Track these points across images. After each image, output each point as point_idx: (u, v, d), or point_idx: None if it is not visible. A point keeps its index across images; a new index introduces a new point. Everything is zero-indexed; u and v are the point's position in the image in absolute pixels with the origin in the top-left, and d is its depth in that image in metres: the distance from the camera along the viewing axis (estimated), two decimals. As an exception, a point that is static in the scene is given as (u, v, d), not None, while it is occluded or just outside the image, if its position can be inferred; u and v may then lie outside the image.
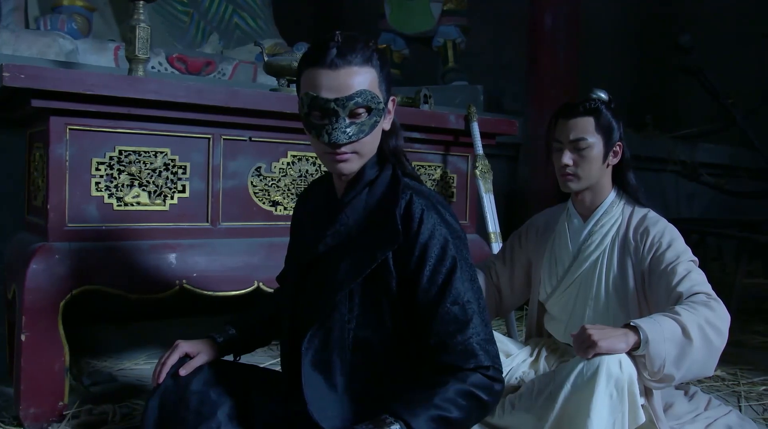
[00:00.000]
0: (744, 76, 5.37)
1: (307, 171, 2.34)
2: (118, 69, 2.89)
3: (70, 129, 1.95)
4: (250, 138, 2.22)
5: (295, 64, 2.36)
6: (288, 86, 2.44)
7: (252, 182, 2.24)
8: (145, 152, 2.06)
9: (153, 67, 3.04)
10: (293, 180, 2.31)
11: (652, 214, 1.86)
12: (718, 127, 4.91)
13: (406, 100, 2.73)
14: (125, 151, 2.03)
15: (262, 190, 2.26)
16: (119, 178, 2.03)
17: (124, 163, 2.03)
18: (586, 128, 1.83)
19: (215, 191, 2.17)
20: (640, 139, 4.65)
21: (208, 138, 2.15)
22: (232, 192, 2.21)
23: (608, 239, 1.87)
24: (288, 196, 2.31)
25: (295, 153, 2.31)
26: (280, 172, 2.29)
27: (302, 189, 2.26)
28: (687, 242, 1.82)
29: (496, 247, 2.69)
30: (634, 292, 1.81)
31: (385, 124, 1.38)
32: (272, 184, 2.28)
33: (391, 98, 1.38)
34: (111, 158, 2.01)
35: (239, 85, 3.02)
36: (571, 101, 1.91)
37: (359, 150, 1.32)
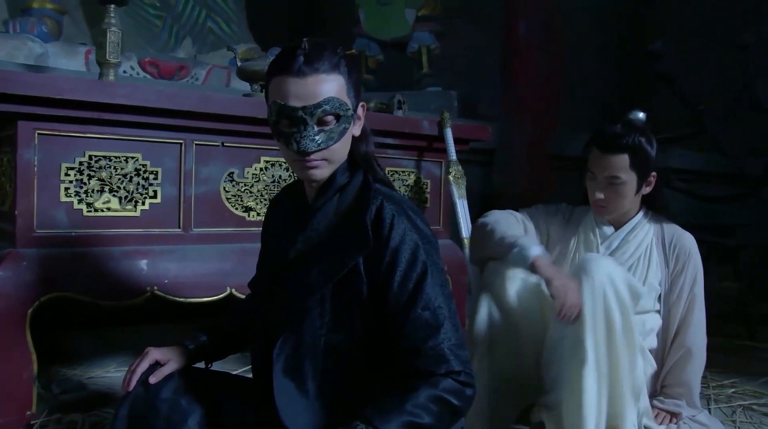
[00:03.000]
0: (715, 82, 5.46)
1: (280, 176, 2.34)
2: (89, 73, 2.87)
3: (38, 134, 1.93)
4: (222, 143, 2.22)
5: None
6: (261, 91, 2.44)
7: (224, 188, 2.24)
8: (115, 157, 2.05)
9: (125, 71, 3.03)
10: (266, 185, 2.31)
11: (681, 230, 1.97)
12: (689, 132, 4.99)
13: (380, 106, 2.74)
14: (95, 156, 2.02)
15: (234, 196, 2.26)
16: (89, 183, 2.01)
17: (94, 169, 2.02)
18: (621, 166, 1.84)
19: (187, 197, 2.16)
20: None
21: (180, 143, 2.14)
22: (205, 198, 2.20)
23: (643, 248, 1.94)
24: (260, 202, 2.31)
25: (267, 158, 2.31)
26: (252, 178, 2.29)
27: (275, 194, 2.26)
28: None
29: (469, 252, 2.71)
30: (666, 298, 1.94)
31: (355, 130, 1.38)
32: (245, 189, 2.27)
33: (361, 104, 1.39)
34: (81, 163, 2.00)
35: (212, 90, 3.01)
36: (608, 127, 1.90)
37: (329, 157, 1.32)
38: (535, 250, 1.73)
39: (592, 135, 1.92)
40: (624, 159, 1.83)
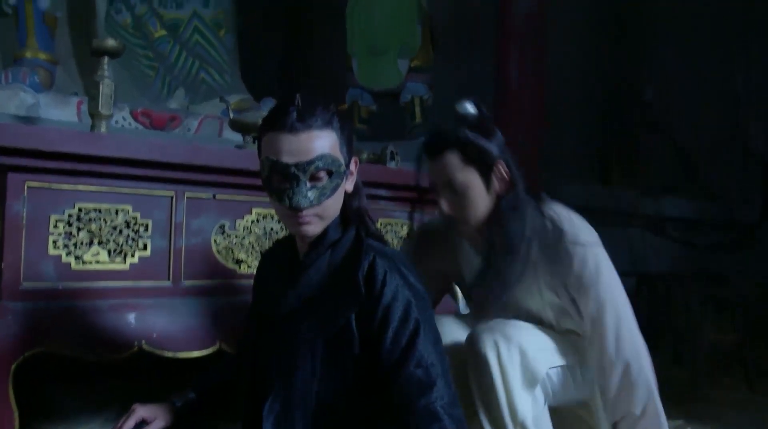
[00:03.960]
0: (707, 130, 5.55)
1: (272, 229, 2.35)
2: (80, 124, 2.90)
3: (28, 186, 1.94)
4: (214, 195, 2.23)
5: (261, 119, 2.39)
6: (254, 142, 2.47)
7: (215, 240, 2.24)
8: (106, 209, 2.06)
9: (117, 122, 3.06)
10: (257, 238, 2.32)
11: (559, 221, 1.68)
12: (682, 181, 5.06)
13: (373, 157, 2.77)
14: (85, 208, 2.03)
15: (225, 248, 2.26)
16: (78, 235, 2.01)
17: (83, 221, 2.02)
18: (454, 165, 1.64)
19: (177, 249, 2.16)
20: (606, 193, 4.75)
21: (171, 195, 2.15)
22: (195, 250, 2.20)
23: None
24: (252, 255, 2.31)
25: (259, 211, 2.32)
26: (244, 230, 2.29)
27: (267, 247, 2.27)
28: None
29: (462, 303, 2.70)
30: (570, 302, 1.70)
31: (348, 185, 1.40)
32: (236, 242, 2.28)
33: (353, 159, 1.41)
34: (70, 216, 2.00)
35: (205, 141, 3.04)
36: (433, 131, 1.72)
37: (321, 213, 1.34)
38: None
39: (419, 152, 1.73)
40: (454, 157, 1.64)
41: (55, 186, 1.98)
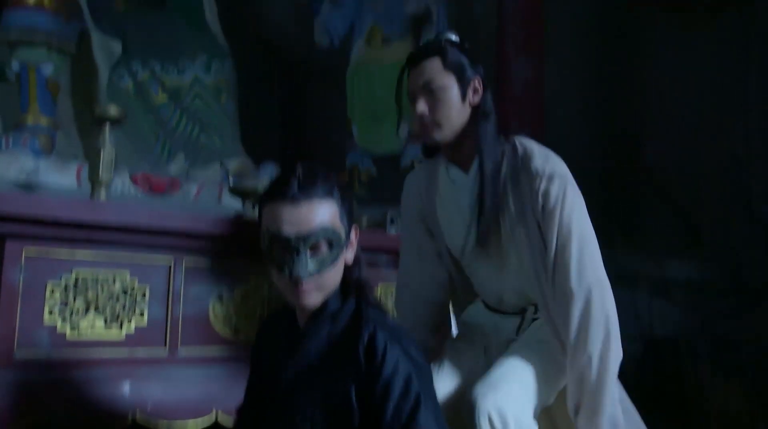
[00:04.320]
0: (710, 192, 5.58)
1: (270, 297, 2.35)
2: (80, 190, 2.93)
3: (26, 254, 1.96)
4: (212, 263, 2.24)
5: (261, 186, 2.42)
6: (253, 208, 2.50)
7: (213, 308, 2.25)
8: (103, 276, 2.07)
9: (116, 187, 3.09)
10: (256, 306, 2.32)
11: (529, 146, 1.76)
12: (686, 244, 5.07)
13: (372, 223, 2.80)
14: (82, 275, 2.04)
15: (223, 316, 2.26)
16: (74, 303, 2.02)
17: (80, 288, 2.03)
18: (434, 69, 1.72)
19: (174, 318, 2.16)
20: (609, 257, 4.76)
21: (170, 263, 2.17)
22: (192, 318, 2.20)
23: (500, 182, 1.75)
24: (250, 323, 2.31)
25: (258, 278, 2.33)
26: (242, 298, 2.30)
27: (265, 315, 2.27)
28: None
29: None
30: (539, 239, 1.71)
31: (348, 255, 1.42)
32: (234, 310, 2.28)
33: (354, 228, 1.44)
34: (67, 283, 2.01)
35: (204, 205, 3.07)
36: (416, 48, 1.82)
37: (321, 284, 1.35)
38: None
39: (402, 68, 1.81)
40: (435, 61, 1.73)
41: (52, 253, 2.00)
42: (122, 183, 3.12)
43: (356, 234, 1.44)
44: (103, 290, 2.06)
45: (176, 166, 3.57)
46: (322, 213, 1.33)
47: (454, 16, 4.25)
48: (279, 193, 1.33)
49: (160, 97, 3.75)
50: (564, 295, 1.68)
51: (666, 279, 5.03)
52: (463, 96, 1.76)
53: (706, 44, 5.39)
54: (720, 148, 5.36)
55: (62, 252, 2.01)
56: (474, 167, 1.79)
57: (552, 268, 1.69)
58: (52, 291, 1.99)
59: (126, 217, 2.04)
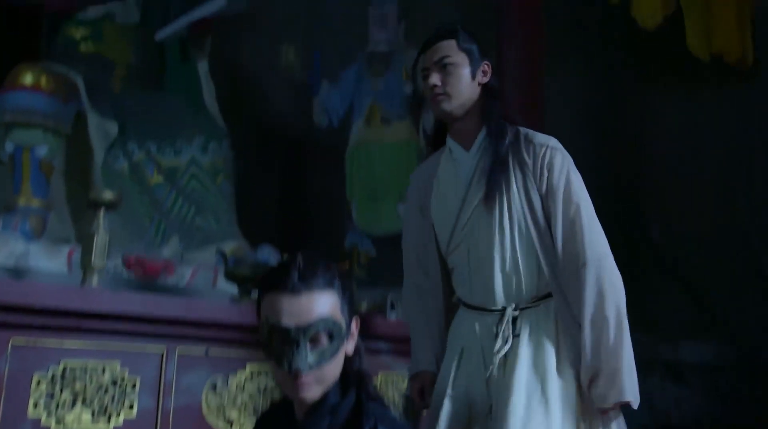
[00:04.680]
0: (720, 266, 5.57)
1: (266, 386, 2.33)
2: (70, 275, 2.93)
3: (12, 344, 1.95)
4: (206, 351, 2.23)
5: (257, 272, 2.44)
6: (249, 294, 2.50)
7: (206, 398, 2.22)
8: (92, 367, 2.05)
9: (108, 270, 3.09)
10: (251, 396, 2.30)
11: (531, 131, 1.96)
12: (698, 323, 5.03)
13: (372, 307, 2.80)
14: (71, 365, 2.02)
15: (216, 407, 2.23)
16: (61, 395, 2.00)
17: (68, 379, 2.01)
18: (449, 47, 1.94)
19: (165, 410, 2.14)
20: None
21: (162, 351, 2.16)
22: (184, 410, 2.17)
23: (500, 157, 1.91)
24: (244, 414, 2.28)
25: (254, 367, 2.32)
26: (237, 388, 2.28)
27: (261, 406, 2.24)
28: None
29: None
30: (542, 212, 1.86)
31: (348, 347, 1.42)
32: (228, 400, 2.26)
33: (355, 319, 1.44)
34: (54, 374, 2.00)
35: (198, 290, 3.08)
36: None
37: (321, 377, 1.35)
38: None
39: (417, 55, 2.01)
40: (450, 42, 1.94)
41: (40, 343, 1.99)
42: (114, 266, 3.13)
43: (357, 325, 1.45)
44: (91, 381, 2.05)
45: (170, 248, 3.59)
46: (323, 304, 1.34)
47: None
48: (279, 283, 1.35)
49: (156, 178, 3.81)
50: (576, 264, 1.82)
51: (680, 363, 4.98)
52: (473, 75, 1.96)
53: (710, 116, 5.52)
54: (726, 222, 5.40)
55: (51, 341, 2.00)
56: (476, 143, 1.96)
57: (562, 238, 1.84)
58: (38, 382, 1.98)
59: (118, 304, 2.04)
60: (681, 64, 5.34)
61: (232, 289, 2.83)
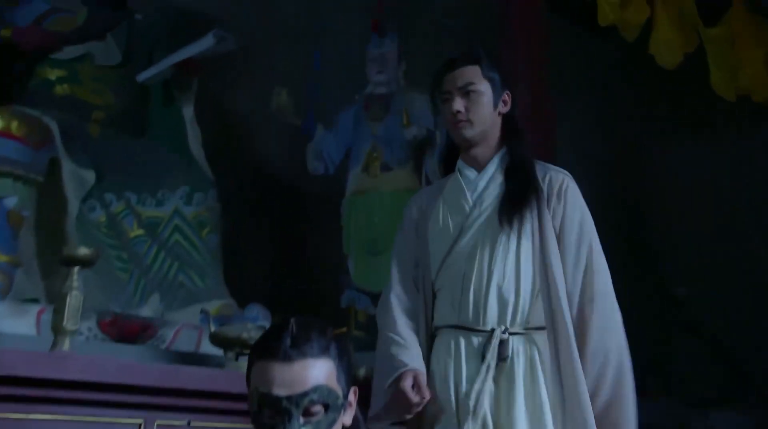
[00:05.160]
0: (752, 329, 5.53)
1: (254, 462, 2.28)
2: (39, 338, 2.89)
3: (-26, 416, 1.92)
4: (189, 422, 2.20)
5: (245, 335, 2.42)
6: (236, 360, 2.47)
7: (188, 477, 2.17)
8: (61, 442, 2.01)
9: (81, 333, 3.06)
10: (238, 473, 2.25)
11: (552, 167, 2.12)
12: (730, 390, 4.96)
13: (371, 373, 2.74)
14: (38, 441, 1.99)
15: (199, 487, 2.19)
16: (26, 475, 1.95)
17: (33, 457, 1.97)
18: (474, 74, 2.08)
19: (142, 491, 2.09)
20: (644, 407, 4.63)
21: (140, 423, 2.12)
22: (163, 490, 2.13)
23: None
24: (230, 494, 2.23)
25: (241, 440, 2.28)
26: (222, 464, 2.23)
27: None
28: None
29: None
30: (554, 241, 2.00)
31: (346, 418, 1.39)
32: (212, 478, 2.21)
33: (353, 389, 1.42)
34: (18, 451, 1.96)
35: (180, 354, 3.03)
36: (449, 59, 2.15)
37: (315, 453, 1.32)
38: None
39: (434, 73, 2.15)
40: (475, 68, 2.08)
41: (5, 413, 1.95)
42: (89, 329, 3.09)
43: (355, 395, 1.42)
44: (60, 458, 2.00)
45: (150, 308, 3.55)
46: (317, 372, 1.32)
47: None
48: (270, 350, 1.33)
49: (135, 231, 3.79)
50: (583, 297, 1.98)
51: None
52: (495, 104, 2.11)
53: (738, 160, 5.56)
54: (749, 277, 5.38)
55: (16, 415, 1.97)
56: (490, 166, 2.10)
57: (572, 270, 1.99)
58: (1, 461, 1.93)
59: (92, 371, 2.01)
60: (704, 105, 5.39)
61: (218, 352, 2.80)
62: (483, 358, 1.94)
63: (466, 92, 2.08)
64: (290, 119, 4.27)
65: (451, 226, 2.08)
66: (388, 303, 2.14)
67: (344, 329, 4.00)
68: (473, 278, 2.00)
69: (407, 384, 1.92)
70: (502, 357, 1.94)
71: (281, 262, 5.18)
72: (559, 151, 3.94)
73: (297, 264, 5.19)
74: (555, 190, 2.06)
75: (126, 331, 3.12)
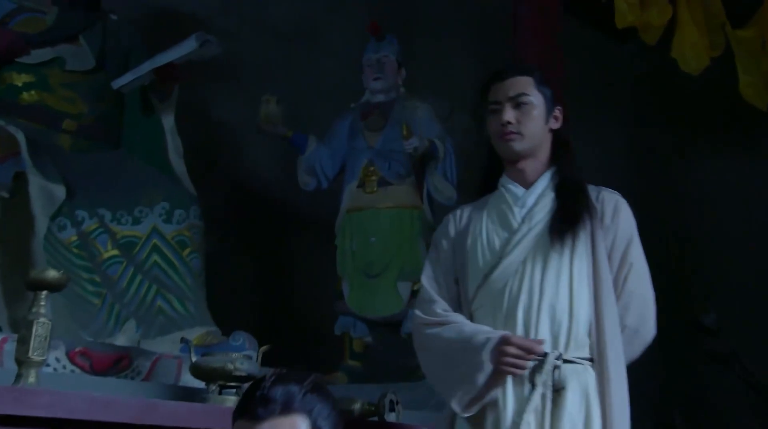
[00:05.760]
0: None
1: None
2: (1, 370, 2.88)
3: (-71, 457, 1.91)
4: (167, 463, 2.19)
5: (230, 366, 2.41)
6: (220, 393, 2.47)
7: None
8: (26, 488, 2.00)
9: (48, 364, 3.05)
10: None
11: (603, 188, 2.20)
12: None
13: (367, 409, 2.75)
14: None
15: None
16: None
17: None
18: (527, 84, 2.15)
19: None
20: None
21: (113, 465, 2.11)
22: None
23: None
24: None
25: (224, 483, 2.27)
26: None
27: None
28: None
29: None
30: (606, 262, 2.08)
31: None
32: None
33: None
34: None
35: (158, 384, 3.02)
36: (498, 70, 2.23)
37: None
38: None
39: (482, 84, 2.23)
40: (528, 80, 2.16)
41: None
42: (57, 360, 3.09)
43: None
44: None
45: (125, 336, 3.54)
46: (292, 430, 1.35)
47: (465, 152, 4.41)
48: (242, 408, 1.40)
49: (109, 252, 3.76)
50: (633, 327, 2.09)
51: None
52: (546, 118, 2.19)
53: (756, 179, 5.57)
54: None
55: (-24, 454, 1.96)
56: (539, 184, 2.16)
57: (625, 296, 2.09)
58: None
59: (60, 407, 2.00)
60: (732, 114, 5.40)
61: (200, 385, 2.79)
62: (533, 384, 1.95)
63: (518, 103, 2.13)
64: (280, 130, 4.28)
65: (497, 242, 2.13)
66: (434, 313, 2.16)
67: (332, 375, 3.99)
68: (522, 295, 2.04)
69: (510, 353, 1.95)
70: (555, 387, 1.94)
71: (270, 285, 5.17)
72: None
73: (287, 287, 5.18)
74: (608, 211, 2.13)
75: (97, 362, 3.10)
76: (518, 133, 2.12)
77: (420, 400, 3.69)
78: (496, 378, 1.98)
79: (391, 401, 2.76)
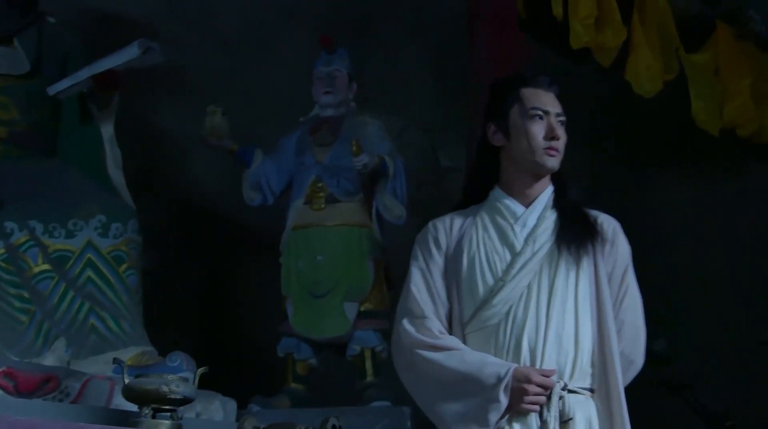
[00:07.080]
0: (739, 388, 5.59)
1: None
2: None
3: None
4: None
5: (165, 388, 2.36)
6: (153, 417, 2.40)
7: None
8: None
9: (-31, 384, 2.97)
10: None
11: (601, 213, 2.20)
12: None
13: (310, 433, 2.70)
14: None
15: None
16: None
17: None
18: (560, 105, 2.15)
19: None
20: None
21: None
22: None
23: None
24: None
25: None
26: None
27: None
28: None
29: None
30: (607, 286, 2.08)
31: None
32: None
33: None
34: None
35: (88, 407, 2.95)
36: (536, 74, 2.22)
37: None
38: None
39: (511, 82, 2.21)
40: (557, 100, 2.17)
41: None
42: (-21, 380, 3.01)
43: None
44: None
45: (54, 356, 3.47)
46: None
47: (416, 169, 4.40)
48: None
49: (40, 266, 3.70)
50: (630, 359, 2.09)
51: None
52: None
53: (724, 200, 5.66)
54: (744, 336, 5.46)
55: None
56: (539, 202, 2.15)
57: (627, 325, 2.09)
58: None
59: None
60: (685, 139, 5.48)
61: (133, 408, 2.72)
62: (540, 417, 1.94)
63: (560, 121, 2.14)
64: (225, 143, 4.23)
65: (498, 262, 2.09)
66: (429, 333, 2.09)
67: (279, 396, 3.95)
68: (528, 322, 2.01)
69: (533, 369, 1.95)
70: (562, 419, 1.94)
71: (211, 304, 5.11)
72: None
73: (229, 306, 5.12)
74: (609, 237, 2.14)
75: (23, 383, 3.03)
76: (559, 151, 2.13)
77: (366, 425, 3.66)
78: (506, 412, 1.97)
79: (334, 426, 2.71)
